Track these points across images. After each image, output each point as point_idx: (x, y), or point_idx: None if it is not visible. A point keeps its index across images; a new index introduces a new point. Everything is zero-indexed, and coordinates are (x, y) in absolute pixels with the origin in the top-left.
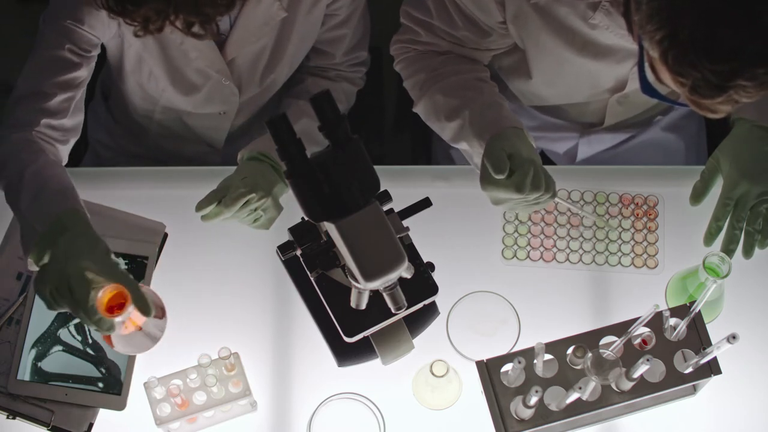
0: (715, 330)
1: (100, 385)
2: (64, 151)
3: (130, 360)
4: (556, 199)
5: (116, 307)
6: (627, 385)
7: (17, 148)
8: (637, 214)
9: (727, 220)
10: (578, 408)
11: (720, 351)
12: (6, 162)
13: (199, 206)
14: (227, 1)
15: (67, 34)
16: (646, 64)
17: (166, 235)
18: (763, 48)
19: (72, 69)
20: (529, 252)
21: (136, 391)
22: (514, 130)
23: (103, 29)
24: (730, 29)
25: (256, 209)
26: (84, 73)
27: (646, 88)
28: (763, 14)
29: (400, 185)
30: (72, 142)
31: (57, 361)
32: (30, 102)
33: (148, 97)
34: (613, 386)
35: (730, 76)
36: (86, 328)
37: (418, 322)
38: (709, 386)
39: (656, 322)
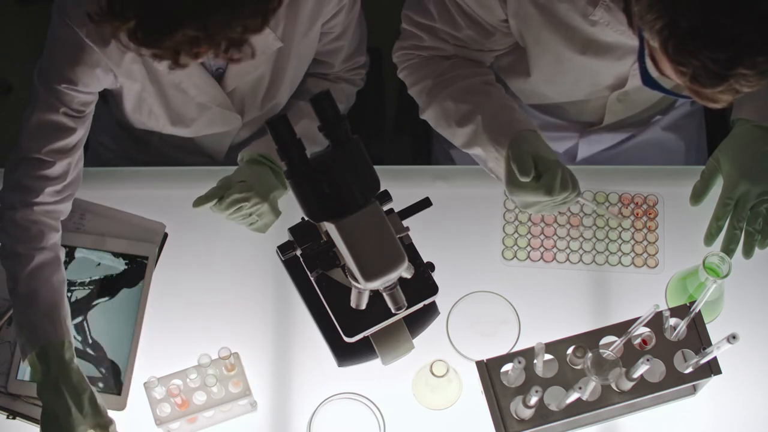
0: (715, 330)
1: (100, 385)
2: (66, 208)
3: (131, 360)
4: (579, 199)
5: None
6: (627, 385)
7: (14, 237)
8: (637, 214)
9: (728, 220)
10: (578, 408)
11: (720, 351)
12: (4, 250)
13: (197, 203)
14: (262, 15)
15: (60, 97)
16: (647, 57)
17: (166, 235)
18: (763, 36)
19: (68, 134)
20: (529, 252)
21: (136, 391)
22: (532, 133)
23: (98, 84)
24: (729, 18)
25: (251, 214)
26: (81, 133)
27: (648, 80)
28: (763, 2)
29: (400, 185)
30: (74, 195)
31: None
32: (31, 167)
33: (150, 127)
34: (613, 386)
35: (730, 65)
36: (86, 328)
37: (418, 322)
38: (709, 386)
39: (656, 322)
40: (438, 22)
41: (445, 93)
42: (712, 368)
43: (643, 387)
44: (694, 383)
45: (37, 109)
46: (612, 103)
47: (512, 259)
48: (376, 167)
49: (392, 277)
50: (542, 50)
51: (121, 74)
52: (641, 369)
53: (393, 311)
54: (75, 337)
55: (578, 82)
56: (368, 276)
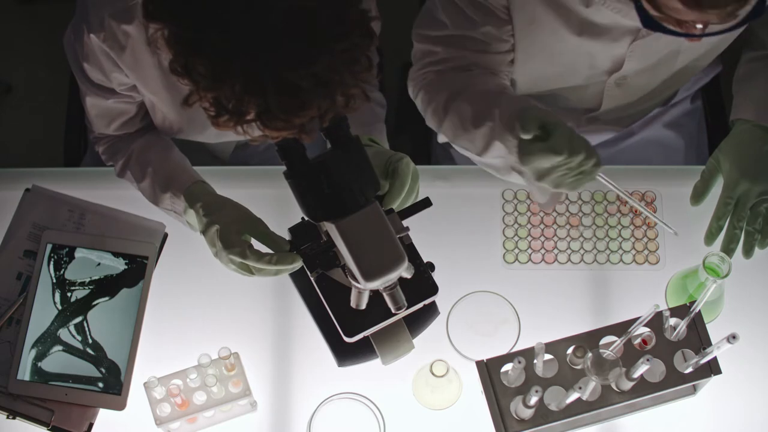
0: (715, 330)
1: (100, 385)
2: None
3: (130, 360)
4: (601, 175)
5: None
6: (627, 385)
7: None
8: (636, 211)
9: (728, 220)
10: (578, 408)
11: (720, 351)
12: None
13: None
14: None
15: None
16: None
17: (166, 235)
18: None
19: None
20: (530, 255)
21: (136, 391)
22: (542, 108)
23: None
24: None
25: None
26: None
27: (648, 21)
28: None
29: None
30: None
31: (57, 361)
32: (107, 142)
33: (163, 131)
34: (613, 386)
35: None
36: (86, 328)
37: (418, 322)
38: (709, 386)
39: (656, 322)
40: (452, 28)
41: (460, 99)
42: (712, 368)
43: (643, 387)
44: (694, 383)
45: (87, 95)
46: (610, 87)
47: (513, 262)
48: None
49: (392, 277)
50: (538, 29)
51: (137, 79)
52: (641, 369)
53: (393, 311)
54: (75, 337)
55: (575, 65)
56: (368, 276)
